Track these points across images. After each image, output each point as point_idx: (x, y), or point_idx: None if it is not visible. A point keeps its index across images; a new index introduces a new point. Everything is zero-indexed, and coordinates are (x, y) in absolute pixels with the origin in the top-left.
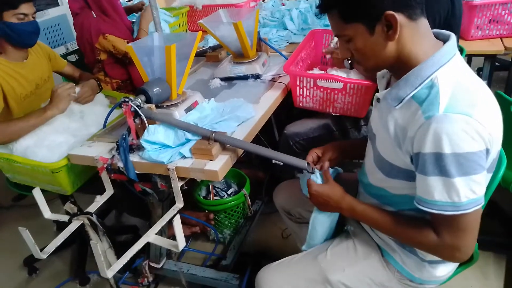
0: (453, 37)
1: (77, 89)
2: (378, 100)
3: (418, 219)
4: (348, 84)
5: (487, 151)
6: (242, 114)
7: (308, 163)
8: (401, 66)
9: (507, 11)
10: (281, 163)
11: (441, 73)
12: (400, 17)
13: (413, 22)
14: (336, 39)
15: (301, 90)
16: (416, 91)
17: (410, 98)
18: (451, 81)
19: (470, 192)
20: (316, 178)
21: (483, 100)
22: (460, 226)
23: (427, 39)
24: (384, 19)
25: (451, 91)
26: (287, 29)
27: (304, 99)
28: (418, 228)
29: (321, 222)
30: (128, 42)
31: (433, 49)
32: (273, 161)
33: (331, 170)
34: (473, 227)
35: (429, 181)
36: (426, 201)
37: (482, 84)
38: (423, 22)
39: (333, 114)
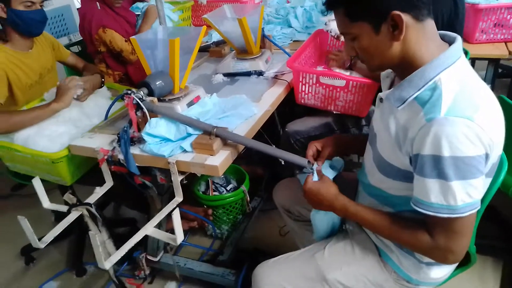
0: (459, 39)
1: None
2: (381, 100)
3: (413, 220)
4: (351, 82)
5: (487, 156)
6: (244, 111)
7: (308, 161)
8: (405, 67)
9: None
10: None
11: (445, 76)
12: (406, 18)
13: (420, 23)
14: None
15: (303, 86)
16: (419, 92)
17: (412, 99)
18: (454, 84)
19: (466, 196)
20: (313, 176)
21: (486, 104)
22: (455, 229)
23: (433, 40)
24: (390, 19)
25: (454, 94)
26: (292, 27)
27: (306, 95)
28: (413, 230)
29: (319, 220)
30: (126, 41)
31: (438, 51)
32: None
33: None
34: (467, 231)
35: (427, 183)
36: (422, 203)
37: (486, 88)
38: (430, 23)
39: (335, 112)
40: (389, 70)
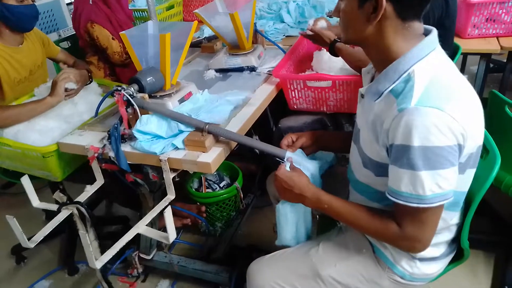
0: (434, 31)
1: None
2: (362, 95)
3: (383, 212)
4: (337, 81)
5: (459, 146)
6: (232, 97)
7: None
8: (382, 60)
9: (504, 10)
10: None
11: (418, 67)
12: (388, 7)
13: (401, 21)
14: (322, 23)
15: (293, 92)
16: (394, 85)
17: (388, 92)
18: (427, 75)
19: (435, 186)
20: (286, 166)
21: (460, 94)
22: (422, 219)
23: (414, 40)
24: (374, 0)
25: (425, 84)
26: (284, 22)
27: (298, 101)
28: (381, 219)
29: (283, 214)
30: (114, 39)
31: (414, 43)
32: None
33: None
34: (435, 220)
35: (398, 172)
36: (394, 192)
37: (462, 79)
38: (415, 26)
39: (328, 112)
40: (370, 66)
